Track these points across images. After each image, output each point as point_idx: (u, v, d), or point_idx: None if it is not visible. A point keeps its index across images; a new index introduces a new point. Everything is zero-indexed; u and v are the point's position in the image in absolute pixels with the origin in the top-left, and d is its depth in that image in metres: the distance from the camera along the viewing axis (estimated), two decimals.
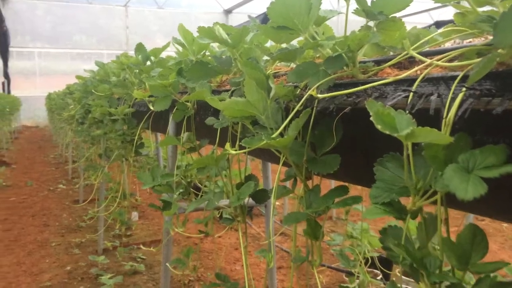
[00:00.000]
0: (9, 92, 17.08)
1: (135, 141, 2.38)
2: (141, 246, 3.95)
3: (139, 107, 2.32)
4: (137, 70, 2.71)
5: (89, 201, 5.88)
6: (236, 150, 1.13)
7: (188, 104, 1.43)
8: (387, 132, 0.52)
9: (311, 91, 0.64)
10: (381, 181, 0.67)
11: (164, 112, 1.96)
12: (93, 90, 2.93)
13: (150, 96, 1.96)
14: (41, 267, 3.76)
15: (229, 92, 1.19)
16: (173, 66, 1.50)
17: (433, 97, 0.57)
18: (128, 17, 18.81)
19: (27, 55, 17.71)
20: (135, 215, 5.09)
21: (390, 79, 0.64)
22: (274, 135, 0.76)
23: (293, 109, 0.85)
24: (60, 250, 4.15)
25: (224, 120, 1.08)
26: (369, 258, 2.85)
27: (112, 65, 3.16)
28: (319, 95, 0.65)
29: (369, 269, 2.98)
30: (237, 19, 19.05)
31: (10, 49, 17.25)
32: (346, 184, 0.91)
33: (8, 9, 17.25)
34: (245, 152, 0.79)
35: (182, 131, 1.47)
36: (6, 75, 17.20)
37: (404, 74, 0.63)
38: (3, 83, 17.07)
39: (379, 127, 0.51)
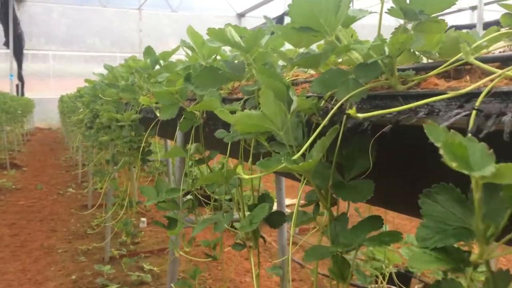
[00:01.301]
0: (22, 94, 17.17)
1: (141, 148, 2.27)
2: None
3: (147, 113, 2.21)
4: (146, 75, 2.61)
5: (98, 207, 5.82)
6: (249, 169, 1.01)
7: (197, 113, 1.31)
8: (464, 172, 0.38)
9: (351, 111, 0.51)
10: (430, 218, 0.54)
11: (172, 119, 1.84)
12: (100, 95, 2.83)
13: (157, 102, 1.84)
14: (46, 275, 3.66)
15: (241, 101, 1.07)
16: (181, 71, 1.38)
17: (506, 118, 0.44)
18: (141, 20, 18.85)
19: (42, 57, 17.84)
20: (143, 221, 4.98)
21: (451, 94, 0.51)
22: (295, 157, 0.63)
23: (317, 124, 0.72)
24: (66, 257, 4.05)
25: (235, 134, 0.95)
26: (387, 274, 2.71)
27: (121, 69, 3.05)
28: (358, 114, 0.52)
29: (387, 286, 2.83)
30: (250, 22, 18.95)
31: (25, 51, 17.39)
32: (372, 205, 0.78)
33: (24, 12, 17.39)
34: (260, 177, 0.67)
35: (190, 141, 1.35)
36: (20, 77, 17.31)
37: (470, 87, 0.50)
38: (17, 86, 17.16)
39: (454, 165, 0.38)
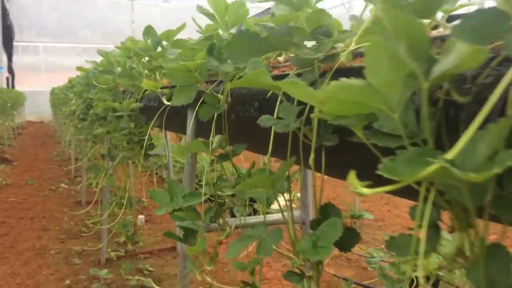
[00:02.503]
0: (13, 87, 16.84)
1: (145, 142, 1.98)
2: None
3: (149, 101, 1.92)
4: (146, 58, 2.32)
5: (92, 203, 5.53)
6: (299, 173, 0.73)
7: (220, 96, 1.03)
8: None
9: None
10: None
11: (181, 107, 1.56)
12: (94, 82, 2.54)
13: (164, 87, 1.55)
14: (38, 280, 3.38)
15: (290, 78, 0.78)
16: (197, 44, 1.10)
17: None
18: (134, 11, 18.53)
19: (33, 50, 17.57)
20: (141, 219, 4.70)
21: None
22: (450, 155, 0.35)
23: (447, 102, 0.44)
24: (59, 259, 3.77)
25: (289, 121, 0.68)
26: (414, 278, 2.45)
27: (117, 53, 2.76)
28: None
29: None
30: None
31: (16, 43, 17.07)
32: None
33: (14, 3, 17.02)
34: (387, 191, 0.39)
35: (212, 134, 1.06)
36: (10, 70, 16.97)
37: None
38: (7, 78, 16.80)
39: None
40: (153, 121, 1.62)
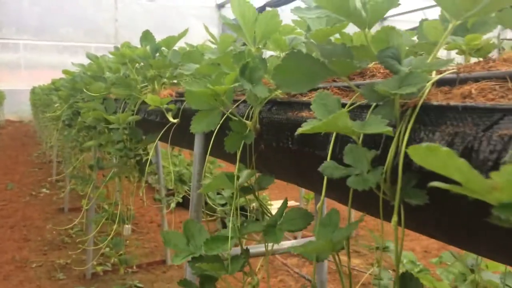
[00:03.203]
0: None
1: (141, 159, 1.81)
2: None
3: (147, 115, 1.75)
4: (140, 65, 2.15)
5: (76, 210, 5.30)
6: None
7: (248, 123, 0.87)
8: None
9: None
10: None
11: (185, 124, 1.40)
12: (84, 89, 2.35)
13: (170, 102, 1.39)
14: None
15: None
16: (220, 59, 0.94)
17: None
18: (117, 9, 18.19)
19: (12, 47, 17.16)
20: (127, 229, 4.49)
21: None
22: None
23: None
24: (41, 273, 3.55)
25: (362, 170, 0.53)
26: None
27: (107, 59, 2.57)
28: None
29: None
30: (230, 13, 18.38)
31: None
32: None
33: None
34: None
35: (236, 166, 0.90)
36: None
37: None
38: None
39: None
40: (159, 136, 1.44)
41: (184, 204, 4.86)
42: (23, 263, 3.76)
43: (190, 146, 1.47)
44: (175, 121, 1.32)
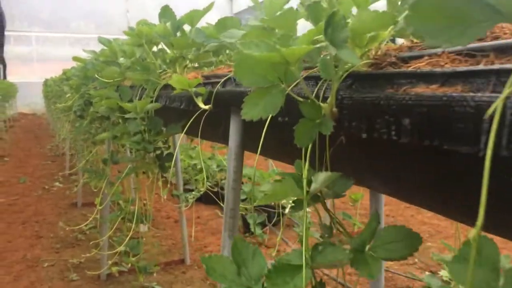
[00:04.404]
0: (5, 77, 16.41)
1: (162, 152, 1.56)
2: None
3: (169, 101, 1.50)
4: (158, 48, 1.91)
5: (89, 205, 5.09)
6: None
7: (324, 105, 0.62)
8: None
9: None
10: None
11: (218, 111, 1.15)
12: (96, 75, 2.11)
13: (198, 85, 1.13)
14: None
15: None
16: (274, 21, 0.68)
17: None
18: (128, 1, 18.03)
19: (25, 40, 17.20)
20: (143, 226, 4.28)
21: None
22: None
23: None
24: (53, 273, 3.35)
25: None
26: None
27: (121, 41, 2.33)
28: None
29: None
30: (239, 4, 18.05)
31: (7, 33, 16.66)
32: None
33: None
34: None
35: (304, 166, 0.65)
36: (2, 60, 16.54)
37: None
38: None
39: None
40: (187, 127, 1.18)
41: (201, 199, 4.63)
42: (34, 262, 3.56)
43: (225, 139, 1.22)
44: (206, 107, 1.07)
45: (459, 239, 1.50)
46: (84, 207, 5.07)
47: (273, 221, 4.12)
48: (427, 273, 3.22)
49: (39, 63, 17.45)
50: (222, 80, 1.08)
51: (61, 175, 6.64)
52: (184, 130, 1.16)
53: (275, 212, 4.16)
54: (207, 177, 4.12)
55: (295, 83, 0.67)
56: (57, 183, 6.22)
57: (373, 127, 0.59)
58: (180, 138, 2.19)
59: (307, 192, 0.62)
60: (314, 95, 0.69)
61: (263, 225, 3.91)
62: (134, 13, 17.60)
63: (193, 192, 3.97)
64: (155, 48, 1.94)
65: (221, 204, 4.02)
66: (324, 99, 0.67)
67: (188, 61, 1.66)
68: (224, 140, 1.14)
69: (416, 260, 3.53)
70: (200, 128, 1.14)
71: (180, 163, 3.52)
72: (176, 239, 4.02)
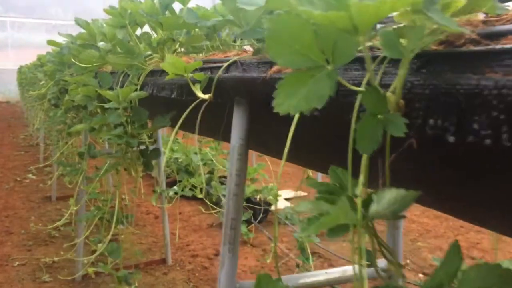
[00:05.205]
0: None
1: (147, 148, 1.37)
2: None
3: (158, 90, 1.30)
4: (143, 31, 1.71)
5: (64, 198, 4.84)
6: None
7: (390, 95, 0.44)
8: None
9: None
10: None
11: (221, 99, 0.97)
12: (72, 60, 1.90)
13: (195, 70, 0.94)
14: None
15: None
16: None
17: None
18: None
19: (0, 25, 16.60)
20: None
21: None
22: None
23: None
24: (24, 274, 3.11)
25: None
26: None
27: (101, 23, 2.12)
28: None
29: None
30: None
31: None
32: None
33: None
34: None
35: (362, 175, 0.47)
36: None
37: None
38: None
39: None
40: (180, 121, 0.98)
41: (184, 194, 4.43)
42: (4, 261, 3.32)
43: (216, 133, 1.04)
44: (206, 96, 0.88)
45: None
46: (59, 201, 4.81)
47: (259, 218, 3.95)
48: (420, 275, 3.10)
49: (14, 49, 17.03)
50: (225, 64, 0.89)
51: (35, 165, 6.34)
52: (178, 125, 0.97)
53: (261, 209, 3.99)
54: (191, 172, 3.91)
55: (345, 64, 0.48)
56: (30, 175, 5.92)
57: (468, 128, 0.41)
58: (162, 130, 1.99)
59: (363, 216, 0.45)
60: (365, 83, 0.51)
61: (248, 222, 3.74)
62: (113, 2, 17.23)
63: (175, 187, 3.77)
64: (139, 32, 1.74)
65: (205, 200, 3.83)
66: (382, 88, 0.49)
67: (178, 45, 1.46)
68: (225, 136, 0.95)
69: (408, 261, 3.40)
70: (198, 121, 0.95)
71: (163, 157, 3.32)
72: (156, 236, 3.81)
